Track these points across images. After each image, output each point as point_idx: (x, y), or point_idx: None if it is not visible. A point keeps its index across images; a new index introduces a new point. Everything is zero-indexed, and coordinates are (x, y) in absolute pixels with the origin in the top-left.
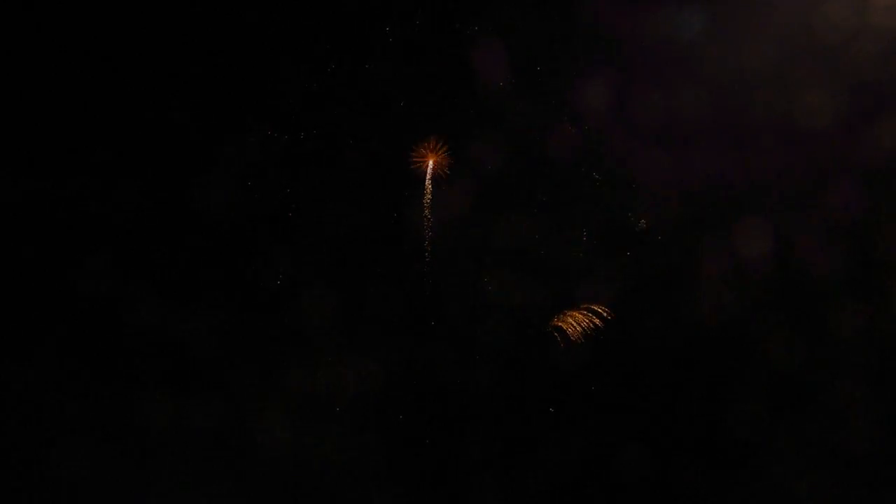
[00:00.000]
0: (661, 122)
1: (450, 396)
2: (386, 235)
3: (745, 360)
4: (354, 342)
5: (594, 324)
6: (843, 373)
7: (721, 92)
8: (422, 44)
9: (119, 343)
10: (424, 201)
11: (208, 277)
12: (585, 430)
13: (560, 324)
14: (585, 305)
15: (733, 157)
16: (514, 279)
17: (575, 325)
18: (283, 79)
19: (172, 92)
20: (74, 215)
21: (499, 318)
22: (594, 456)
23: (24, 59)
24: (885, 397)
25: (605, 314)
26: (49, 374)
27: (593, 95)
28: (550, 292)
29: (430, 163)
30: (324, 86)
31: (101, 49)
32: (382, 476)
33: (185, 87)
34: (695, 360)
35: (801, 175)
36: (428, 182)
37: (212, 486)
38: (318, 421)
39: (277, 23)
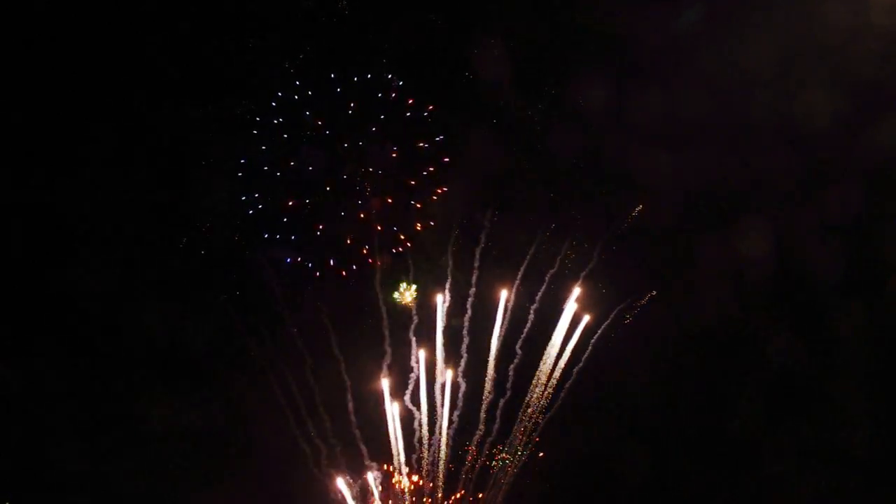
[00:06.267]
0: (663, 121)
1: None
2: None
3: (744, 360)
4: None
5: None
6: (843, 371)
7: (721, 92)
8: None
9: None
10: None
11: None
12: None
13: None
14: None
15: (733, 156)
16: None
17: None
18: None
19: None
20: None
21: None
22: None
23: None
24: (884, 396)
25: None
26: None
27: (593, 95)
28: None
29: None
30: None
31: None
32: None
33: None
34: (694, 359)
35: (800, 175)
36: None
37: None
38: None
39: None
